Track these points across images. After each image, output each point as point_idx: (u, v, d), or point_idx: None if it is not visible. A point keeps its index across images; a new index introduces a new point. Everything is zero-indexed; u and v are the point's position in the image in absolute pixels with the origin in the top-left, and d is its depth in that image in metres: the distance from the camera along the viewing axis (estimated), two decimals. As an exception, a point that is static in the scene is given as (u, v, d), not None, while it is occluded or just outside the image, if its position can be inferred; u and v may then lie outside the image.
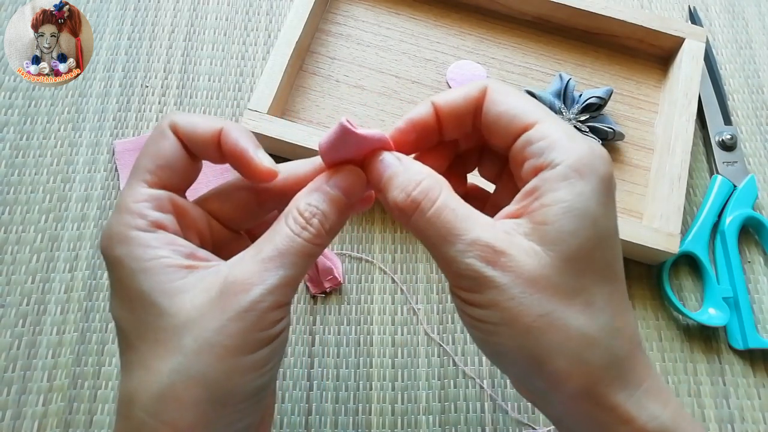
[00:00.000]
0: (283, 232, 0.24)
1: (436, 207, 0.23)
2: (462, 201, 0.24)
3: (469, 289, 0.23)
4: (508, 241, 0.22)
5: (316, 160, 0.27)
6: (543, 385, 0.23)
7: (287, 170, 0.27)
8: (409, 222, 0.24)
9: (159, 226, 0.24)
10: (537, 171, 0.23)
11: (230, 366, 0.22)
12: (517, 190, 0.25)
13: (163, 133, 0.25)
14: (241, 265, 0.23)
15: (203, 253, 0.25)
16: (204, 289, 0.23)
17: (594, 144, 0.24)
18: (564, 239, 0.22)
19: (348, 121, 0.24)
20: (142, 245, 0.23)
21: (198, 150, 0.26)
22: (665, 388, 0.24)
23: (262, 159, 0.25)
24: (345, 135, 0.24)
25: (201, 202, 0.28)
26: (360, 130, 0.24)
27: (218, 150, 0.26)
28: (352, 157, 0.25)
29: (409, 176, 0.24)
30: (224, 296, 0.22)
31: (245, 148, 0.25)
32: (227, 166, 0.27)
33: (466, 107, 0.26)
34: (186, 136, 0.25)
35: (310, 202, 0.24)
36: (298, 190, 0.26)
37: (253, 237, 0.29)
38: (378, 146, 0.25)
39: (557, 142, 0.23)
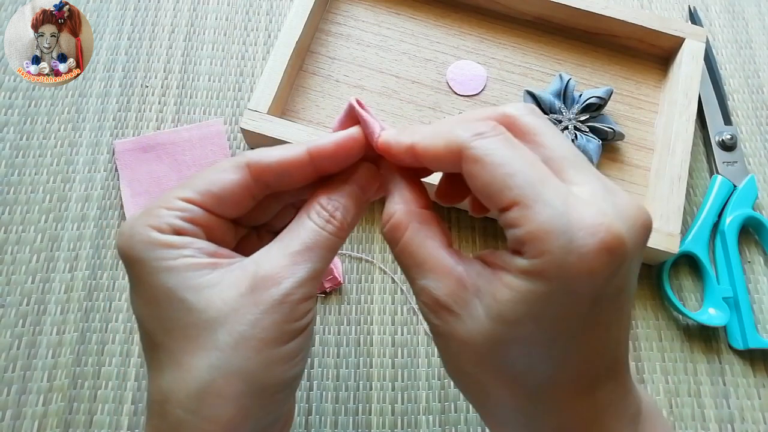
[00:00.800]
0: (308, 227, 0.25)
1: (399, 246, 0.24)
2: (427, 239, 0.23)
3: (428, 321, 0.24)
4: (455, 296, 0.22)
5: (304, 143, 0.27)
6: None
7: (281, 149, 0.27)
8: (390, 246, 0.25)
9: (181, 233, 0.24)
10: (513, 251, 0.21)
11: (267, 357, 0.23)
12: None
13: (237, 167, 0.25)
14: (269, 259, 0.24)
15: (225, 251, 0.25)
16: (232, 284, 0.23)
17: (582, 241, 0.19)
18: (500, 323, 0.21)
19: (357, 100, 0.25)
20: (164, 245, 0.23)
21: (286, 178, 0.25)
22: None
23: (355, 131, 0.26)
24: (351, 112, 0.26)
25: (198, 191, 0.27)
26: (362, 112, 0.25)
27: (310, 168, 0.25)
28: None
29: (387, 208, 0.25)
30: (256, 290, 0.23)
31: (343, 136, 0.26)
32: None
33: (446, 162, 0.23)
34: (271, 168, 0.25)
35: (331, 197, 0.25)
36: (295, 166, 0.26)
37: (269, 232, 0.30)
38: (367, 132, 0.26)
39: (531, 235, 0.20)
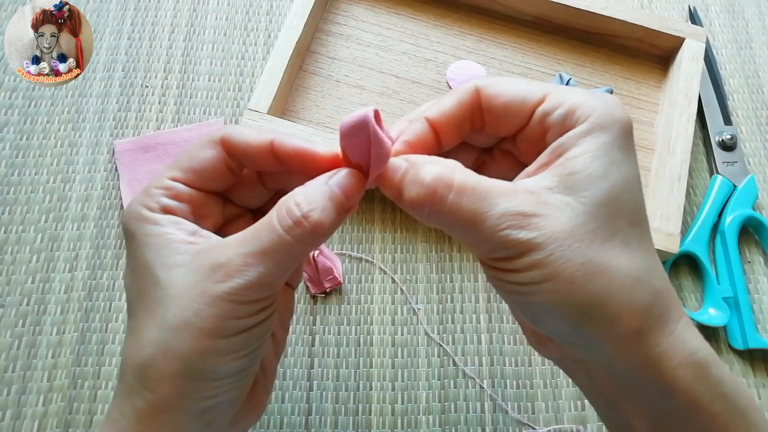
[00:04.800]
0: (271, 227, 0.23)
1: (455, 191, 0.23)
2: (477, 176, 0.23)
3: (507, 258, 0.23)
4: (535, 201, 0.22)
5: (270, 133, 0.27)
6: (591, 332, 0.23)
7: (249, 132, 0.27)
8: (432, 214, 0.23)
9: (169, 211, 0.26)
10: (561, 134, 0.24)
11: (204, 346, 0.23)
12: (517, 163, 0.25)
13: (211, 142, 0.26)
14: (227, 250, 0.24)
15: (206, 233, 0.26)
16: (194, 269, 0.24)
17: (606, 96, 0.24)
18: (595, 184, 0.23)
19: (376, 111, 0.23)
20: (151, 222, 0.25)
21: (250, 160, 0.27)
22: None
23: (321, 148, 0.26)
24: (364, 123, 0.23)
25: (177, 162, 0.28)
26: (377, 129, 0.23)
27: (272, 157, 0.26)
28: (364, 150, 0.24)
29: (418, 168, 0.24)
30: (206, 280, 0.23)
31: (304, 147, 0.26)
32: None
33: (463, 113, 0.26)
34: (239, 147, 0.26)
35: (302, 200, 0.23)
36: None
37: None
38: (381, 154, 0.24)
39: (575, 104, 0.24)
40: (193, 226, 0.26)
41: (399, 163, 0.24)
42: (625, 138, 0.24)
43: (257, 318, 0.24)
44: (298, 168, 0.26)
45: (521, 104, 0.25)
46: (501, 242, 0.22)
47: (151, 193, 0.26)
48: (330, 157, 0.26)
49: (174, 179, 0.26)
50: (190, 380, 0.23)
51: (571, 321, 0.23)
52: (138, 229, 0.25)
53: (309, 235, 0.23)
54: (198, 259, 0.24)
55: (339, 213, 0.24)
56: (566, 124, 0.24)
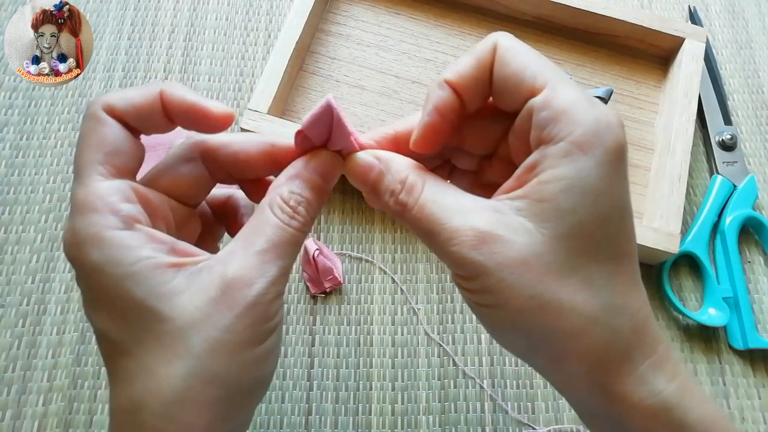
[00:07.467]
0: (273, 223, 0.24)
1: (419, 203, 0.23)
2: (446, 188, 0.24)
3: (464, 276, 0.23)
4: (495, 221, 0.22)
5: (266, 137, 0.27)
6: (542, 362, 0.23)
7: (238, 141, 0.27)
8: (402, 220, 0.24)
9: (134, 221, 0.23)
10: (539, 144, 0.22)
11: (243, 360, 0.22)
12: (511, 165, 0.24)
13: (99, 118, 0.23)
14: (236, 260, 0.23)
15: (182, 245, 0.24)
16: (201, 289, 0.22)
17: (602, 111, 0.22)
18: (560, 217, 0.21)
19: (333, 98, 0.24)
20: (121, 247, 0.22)
21: (143, 124, 0.24)
22: (675, 361, 0.23)
23: (217, 105, 0.25)
24: (329, 111, 0.24)
25: (150, 181, 0.26)
26: (342, 114, 0.24)
27: (164, 116, 0.24)
28: (326, 140, 0.26)
29: (392, 176, 0.24)
30: (227, 294, 0.22)
31: (196, 100, 0.24)
32: (170, 139, 0.26)
33: (483, 73, 0.23)
34: (125, 113, 0.24)
35: (293, 190, 0.24)
36: (250, 163, 0.26)
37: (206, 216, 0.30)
38: (347, 141, 0.25)
39: (561, 114, 0.21)
40: (167, 239, 0.23)
41: (371, 162, 0.25)
42: (609, 165, 0.21)
43: (280, 315, 0.24)
44: (191, 123, 0.25)
45: (517, 85, 0.23)
46: (453, 259, 0.22)
47: (99, 206, 0.22)
48: (223, 115, 0.24)
49: (105, 176, 0.23)
50: (232, 400, 0.22)
51: (522, 347, 0.23)
52: (104, 259, 0.22)
53: (304, 224, 0.24)
54: (199, 280, 0.22)
55: (321, 197, 0.25)
56: (544, 134, 0.22)
